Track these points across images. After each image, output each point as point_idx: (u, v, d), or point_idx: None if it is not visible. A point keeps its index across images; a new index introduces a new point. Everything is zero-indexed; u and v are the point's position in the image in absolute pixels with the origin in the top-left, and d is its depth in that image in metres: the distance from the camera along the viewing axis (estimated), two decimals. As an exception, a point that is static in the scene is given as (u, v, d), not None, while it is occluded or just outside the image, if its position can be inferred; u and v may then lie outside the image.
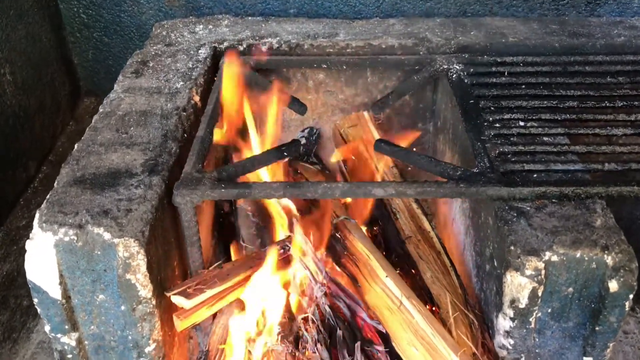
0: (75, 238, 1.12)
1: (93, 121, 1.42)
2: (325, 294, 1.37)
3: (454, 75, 1.60)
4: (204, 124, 1.43)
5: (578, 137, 1.37)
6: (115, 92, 1.52)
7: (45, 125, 2.13)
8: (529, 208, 1.20)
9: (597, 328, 1.16)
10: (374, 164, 1.53)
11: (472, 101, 1.48)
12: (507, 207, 1.21)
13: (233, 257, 1.49)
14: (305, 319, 1.35)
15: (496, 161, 1.29)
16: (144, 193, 1.20)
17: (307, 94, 1.83)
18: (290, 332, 1.33)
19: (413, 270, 1.33)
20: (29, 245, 1.14)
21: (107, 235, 1.12)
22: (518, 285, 1.13)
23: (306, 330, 1.32)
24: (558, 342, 1.20)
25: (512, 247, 1.13)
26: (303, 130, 1.83)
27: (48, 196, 1.20)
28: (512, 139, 1.37)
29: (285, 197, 1.23)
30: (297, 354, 1.29)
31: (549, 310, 1.16)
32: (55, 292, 1.15)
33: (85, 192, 1.21)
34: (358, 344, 1.27)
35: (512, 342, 1.18)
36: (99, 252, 1.13)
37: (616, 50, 1.70)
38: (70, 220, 1.14)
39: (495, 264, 1.21)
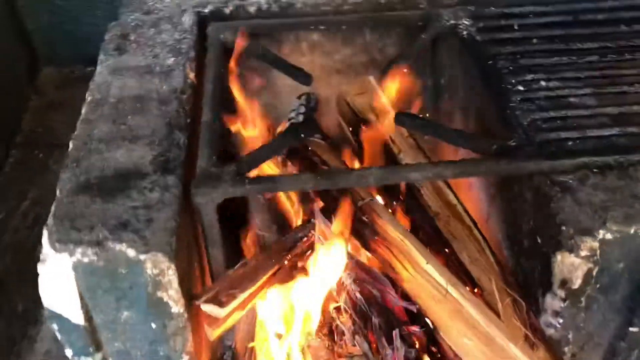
0: (96, 258, 1.00)
1: (83, 112, 1.27)
2: (355, 280, 1.30)
3: (465, 32, 1.50)
4: (207, 107, 1.30)
5: (606, 97, 1.31)
6: (101, 75, 1.36)
7: (6, 104, 1.93)
8: (571, 181, 1.15)
9: (646, 300, 1.14)
10: (389, 135, 1.43)
11: (490, 62, 1.39)
12: (548, 182, 1.15)
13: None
14: (337, 309, 1.29)
15: (530, 131, 1.22)
16: (161, 197, 1.09)
17: (301, 57, 1.69)
18: (324, 324, 1.27)
19: (446, 250, 1.27)
20: (41, 269, 1.01)
21: (131, 252, 1.00)
22: (570, 266, 1.08)
23: (340, 320, 1.26)
24: (603, 314, 1.18)
25: (563, 227, 1.07)
26: (299, 97, 1.70)
27: (53, 209, 1.07)
28: (539, 102, 1.29)
29: (317, 188, 1.14)
30: (334, 347, 1.24)
31: (598, 286, 1.13)
32: (78, 318, 1.04)
33: (95, 201, 1.08)
34: (397, 332, 1.22)
35: (561, 320, 1.15)
36: (123, 271, 1.02)
37: (625, -6, 1.62)
38: (86, 238, 1.01)
39: (540, 241, 1.16)
